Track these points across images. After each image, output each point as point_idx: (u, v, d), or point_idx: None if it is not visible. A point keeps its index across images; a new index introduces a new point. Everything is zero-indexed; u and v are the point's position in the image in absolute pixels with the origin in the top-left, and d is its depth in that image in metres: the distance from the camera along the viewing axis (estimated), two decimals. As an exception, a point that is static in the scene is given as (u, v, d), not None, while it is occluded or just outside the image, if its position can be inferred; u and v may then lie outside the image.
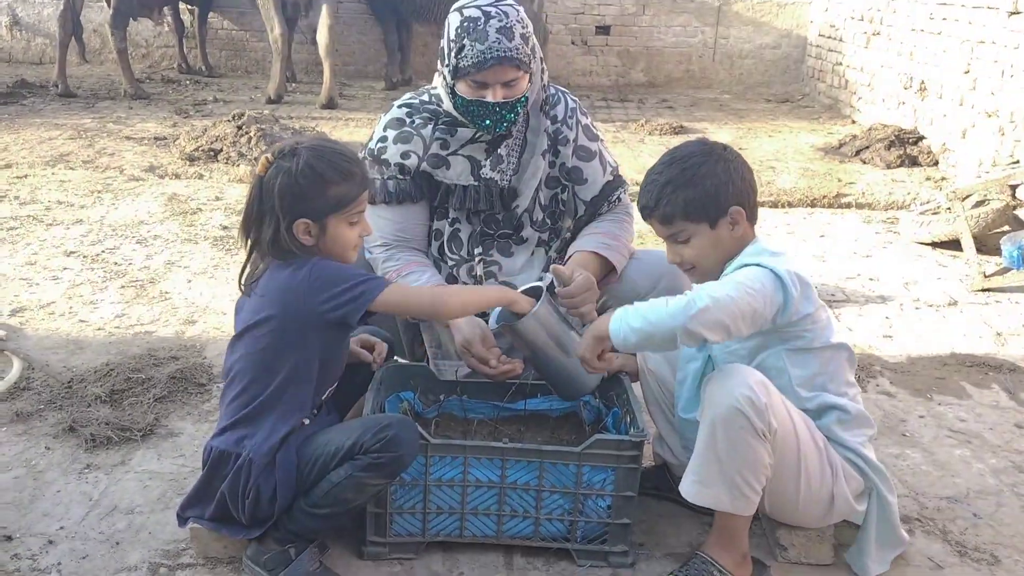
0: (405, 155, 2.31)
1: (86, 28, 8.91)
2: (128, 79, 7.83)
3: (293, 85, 8.57)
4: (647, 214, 1.97)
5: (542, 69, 2.32)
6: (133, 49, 9.03)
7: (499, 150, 2.33)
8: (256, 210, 1.85)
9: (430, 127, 2.31)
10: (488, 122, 2.23)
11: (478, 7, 2.17)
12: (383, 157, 2.32)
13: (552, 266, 2.21)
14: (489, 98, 2.19)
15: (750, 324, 1.79)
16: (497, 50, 2.13)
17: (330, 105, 7.56)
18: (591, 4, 9.24)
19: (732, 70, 9.41)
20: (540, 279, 2.33)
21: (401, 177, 2.32)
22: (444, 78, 2.25)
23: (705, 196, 1.88)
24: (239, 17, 9.46)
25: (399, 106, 2.37)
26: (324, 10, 7.46)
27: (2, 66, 9.29)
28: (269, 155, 1.86)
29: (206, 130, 5.87)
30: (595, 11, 9.28)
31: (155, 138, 6.25)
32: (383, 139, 2.33)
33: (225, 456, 1.86)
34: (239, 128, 5.74)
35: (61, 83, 7.79)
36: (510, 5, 2.19)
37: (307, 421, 1.93)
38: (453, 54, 2.18)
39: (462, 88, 2.20)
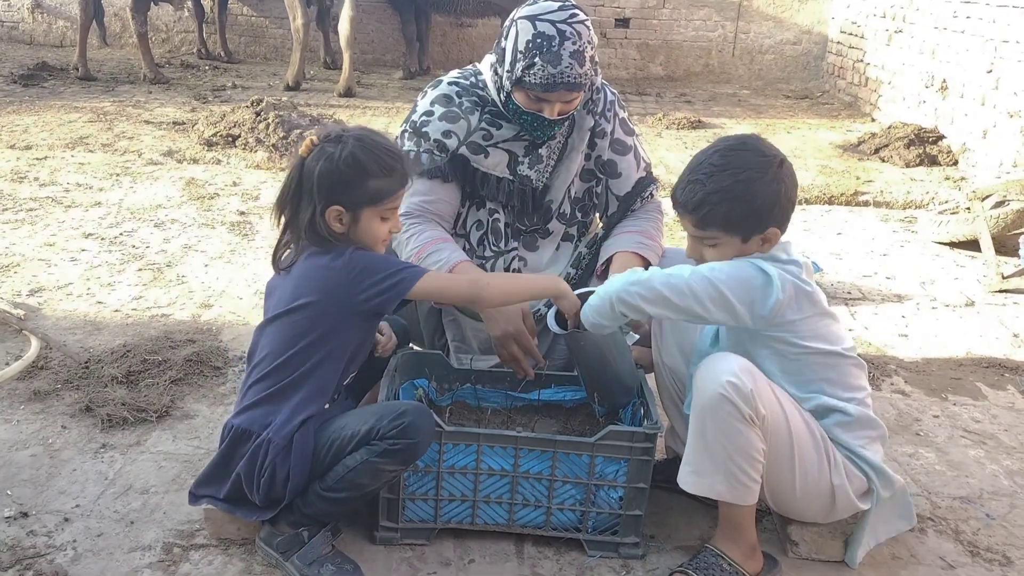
0: (447, 134, 2.27)
1: (107, 12, 8.95)
2: (148, 63, 7.85)
3: (311, 72, 8.58)
4: (682, 211, 1.89)
5: (595, 71, 2.26)
6: (153, 34, 9.06)
7: (540, 150, 2.32)
8: (294, 191, 1.86)
9: (477, 114, 2.29)
10: (538, 132, 2.25)
11: (552, 23, 2.12)
12: (424, 130, 2.28)
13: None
14: (547, 114, 2.19)
15: (700, 305, 1.78)
16: (568, 75, 2.12)
17: (348, 94, 7.57)
18: (611, -4, 9.22)
19: (752, 65, 9.36)
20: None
21: (438, 154, 2.27)
22: (499, 79, 2.23)
23: (749, 214, 1.81)
24: (258, 4, 9.50)
25: (449, 83, 2.33)
26: (348, 2, 7.51)
27: (23, 48, 9.33)
28: (315, 137, 1.86)
29: (224, 116, 5.89)
30: (615, 3, 9.23)
31: (174, 123, 6.28)
32: (429, 113, 2.29)
33: (245, 434, 1.87)
34: (257, 114, 5.75)
35: (81, 66, 7.82)
36: (582, 22, 2.14)
37: (328, 405, 1.94)
38: (520, 66, 2.14)
39: (520, 97, 2.19)
